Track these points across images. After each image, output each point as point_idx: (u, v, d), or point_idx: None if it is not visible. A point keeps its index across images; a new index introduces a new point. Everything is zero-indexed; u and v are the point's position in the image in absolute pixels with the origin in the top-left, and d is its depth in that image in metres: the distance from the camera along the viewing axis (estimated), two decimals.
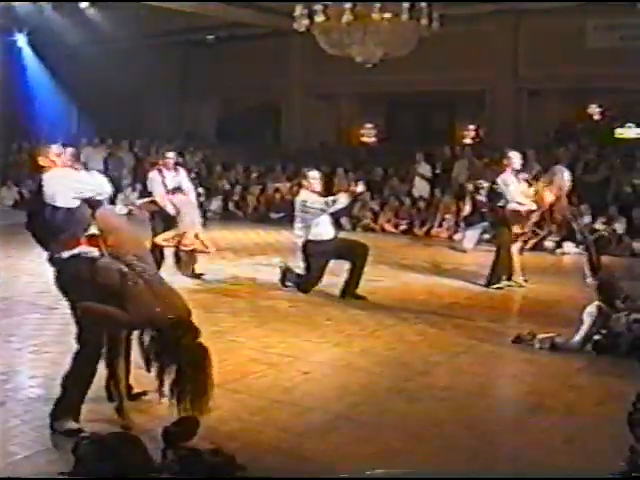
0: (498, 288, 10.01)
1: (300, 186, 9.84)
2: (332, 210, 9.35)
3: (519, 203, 10.00)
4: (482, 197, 10.86)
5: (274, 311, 8.69)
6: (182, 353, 4.67)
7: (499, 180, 10.10)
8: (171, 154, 10.70)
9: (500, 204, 10.09)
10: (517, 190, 10.02)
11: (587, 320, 7.20)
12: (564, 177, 10.06)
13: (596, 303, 7.27)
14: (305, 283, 9.52)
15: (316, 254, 9.38)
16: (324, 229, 9.38)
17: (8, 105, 18.35)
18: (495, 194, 10.22)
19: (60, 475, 4.20)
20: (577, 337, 7.18)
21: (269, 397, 5.82)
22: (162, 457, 4.33)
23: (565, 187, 10.01)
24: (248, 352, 6.92)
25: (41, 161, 5.28)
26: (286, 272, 9.88)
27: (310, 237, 9.36)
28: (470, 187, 12.04)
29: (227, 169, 19.95)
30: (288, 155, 20.25)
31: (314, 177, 9.53)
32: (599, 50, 17.37)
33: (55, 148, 5.35)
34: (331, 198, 9.45)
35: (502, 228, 10.19)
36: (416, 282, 10.57)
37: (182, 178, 10.51)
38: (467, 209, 11.23)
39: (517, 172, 10.17)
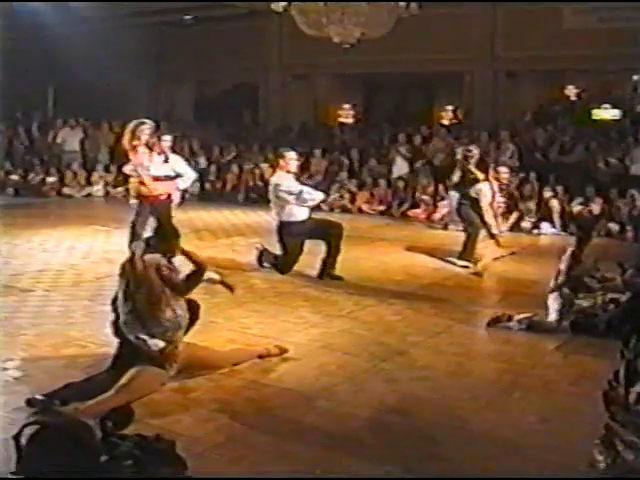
0: (464, 267, 10.13)
1: (276, 166, 9.76)
2: (302, 204, 9.31)
3: None
4: (472, 165, 10.76)
5: (252, 292, 8.67)
6: None
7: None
8: (168, 137, 10.07)
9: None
10: None
11: (557, 300, 7.30)
12: None
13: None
14: (282, 264, 9.50)
15: (291, 235, 9.35)
16: (298, 210, 9.34)
17: None
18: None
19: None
20: (552, 316, 7.25)
21: (247, 378, 5.82)
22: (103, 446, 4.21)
23: None
24: (226, 333, 6.92)
25: None
26: (263, 253, 9.85)
27: (284, 218, 9.34)
28: (459, 155, 11.85)
29: (204, 149, 19.82)
30: (266, 135, 20.18)
31: (291, 158, 9.45)
32: (576, 32, 17.38)
33: None
34: (306, 190, 9.40)
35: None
36: (394, 262, 10.58)
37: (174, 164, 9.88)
38: (456, 177, 11.02)
39: None
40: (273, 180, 9.56)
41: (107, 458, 4.05)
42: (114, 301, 5.67)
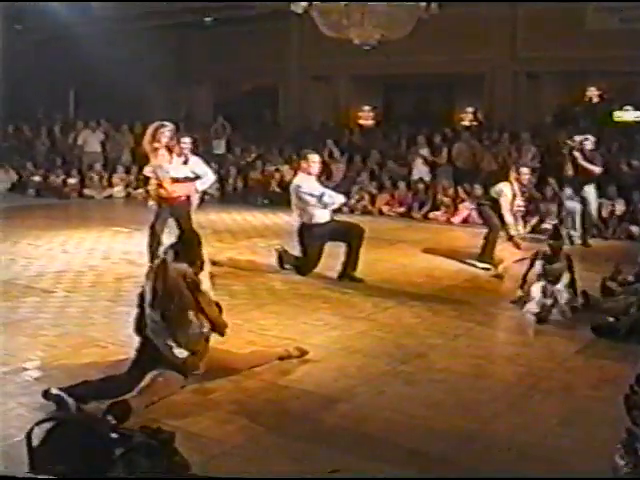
0: (485, 269, 10.09)
1: (298, 168, 9.72)
2: (323, 207, 9.29)
3: None
4: (581, 160, 10.29)
5: (272, 294, 8.68)
6: None
7: None
8: (187, 139, 10.24)
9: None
10: None
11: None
12: None
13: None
14: (303, 266, 9.49)
15: (311, 237, 9.33)
16: (320, 212, 9.31)
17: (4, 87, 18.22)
18: None
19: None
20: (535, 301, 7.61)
21: (266, 379, 5.82)
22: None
23: None
24: (246, 335, 6.91)
25: None
26: (283, 254, 9.84)
27: (306, 220, 9.32)
28: (566, 149, 11.32)
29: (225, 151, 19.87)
30: (286, 137, 20.19)
31: (314, 160, 9.42)
32: (598, 32, 17.27)
33: None
34: (328, 193, 9.37)
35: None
36: (414, 264, 10.55)
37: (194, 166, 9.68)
38: (570, 171, 10.58)
39: None
40: (294, 182, 9.54)
41: (122, 451, 4.07)
42: (142, 295, 5.64)
